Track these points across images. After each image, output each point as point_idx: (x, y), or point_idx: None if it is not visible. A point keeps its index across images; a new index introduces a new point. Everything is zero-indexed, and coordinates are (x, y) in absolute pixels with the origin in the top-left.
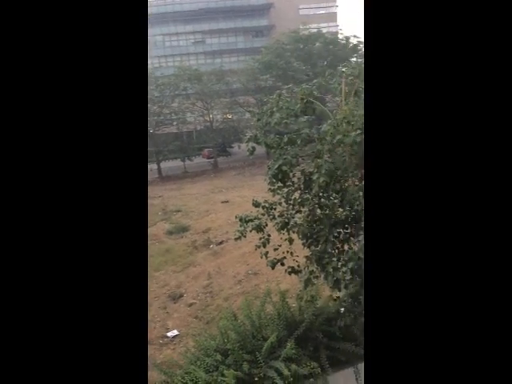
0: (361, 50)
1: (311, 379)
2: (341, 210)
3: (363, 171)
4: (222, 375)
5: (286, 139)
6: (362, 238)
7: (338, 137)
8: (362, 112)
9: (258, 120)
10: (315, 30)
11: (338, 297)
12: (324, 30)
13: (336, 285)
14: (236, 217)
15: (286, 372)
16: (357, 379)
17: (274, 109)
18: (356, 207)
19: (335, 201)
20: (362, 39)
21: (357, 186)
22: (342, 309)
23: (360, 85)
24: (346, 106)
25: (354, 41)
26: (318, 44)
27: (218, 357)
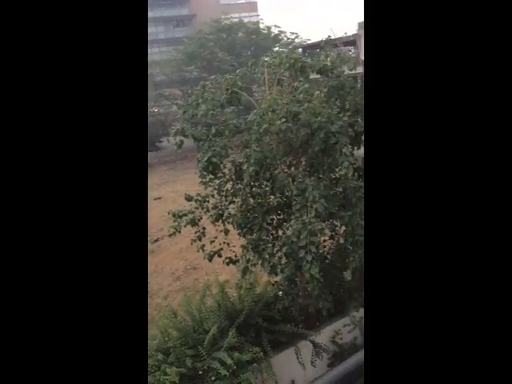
0: (282, 39)
1: (254, 364)
2: (272, 197)
3: (291, 158)
4: (165, 374)
5: (213, 131)
6: (293, 222)
7: (265, 126)
8: (286, 101)
9: (184, 112)
10: (237, 20)
11: (276, 281)
12: (245, 20)
13: (273, 270)
14: (169, 213)
15: (229, 361)
16: (298, 357)
17: (200, 100)
18: (286, 193)
19: (266, 189)
20: (283, 29)
21: (286, 172)
22: (280, 292)
23: (283, 73)
24: (269, 95)
25: (275, 30)
26: (240, 34)
27: (160, 356)
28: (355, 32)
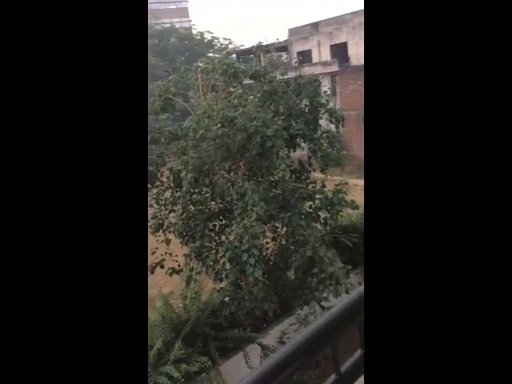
0: (216, 45)
1: (203, 374)
2: (213, 203)
3: (230, 163)
4: None
5: (148, 138)
6: (234, 226)
7: (201, 132)
8: (221, 106)
9: None
10: (168, 25)
11: (222, 287)
12: (177, 26)
13: (218, 276)
14: None
15: (176, 374)
16: (246, 361)
17: None
18: (227, 198)
19: (206, 195)
20: (216, 34)
21: (225, 178)
22: (226, 298)
23: (217, 79)
24: (204, 101)
25: (208, 36)
26: (172, 39)
27: None
28: (286, 38)
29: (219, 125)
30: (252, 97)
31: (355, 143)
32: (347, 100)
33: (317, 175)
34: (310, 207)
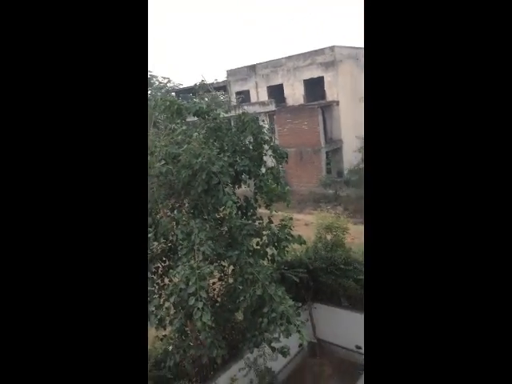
0: (154, 83)
1: None
2: (156, 243)
3: (173, 200)
4: None
5: None
6: (180, 268)
7: None
8: (164, 143)
9: None
10: None
11: (165, 335)
12: None
13: (161, 323)
14: None
15: None
16: None
17: None
18: (171, 238)
19: (149, 235)
20: (155, 73)
21: (169, 216)
22: (170, 347)
23: (158, 116)
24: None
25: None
26: None
27: None
28: (225, 78)
29: (162, 161)
30: (196, 133)
31: (294, 179)
32: (285, 138)
33: (260, 211)
34: (258, 244)
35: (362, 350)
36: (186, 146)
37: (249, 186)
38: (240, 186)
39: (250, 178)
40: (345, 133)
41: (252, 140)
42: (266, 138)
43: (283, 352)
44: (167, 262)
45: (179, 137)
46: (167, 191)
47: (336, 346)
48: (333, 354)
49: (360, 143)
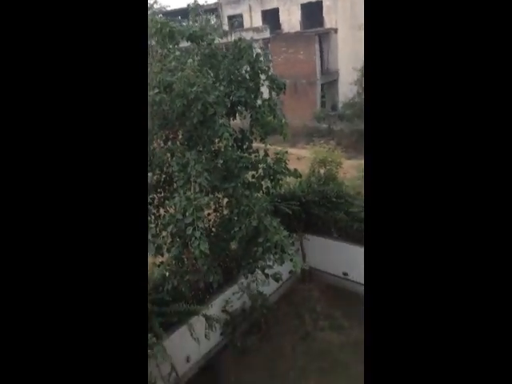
0: None
1: (148, 351)
2: (150, 174)
3: (167, 131)
4: None
5: None
6: (177, 199)
7: None
8: (156, 69)
9: None
10: None
11: (162, 262)
12: None
13: (158, 251)
14: None
15: None
16: (191, 333)
17: None
18: (166, 169)
19: None
20: None
21: (163, 147)
22: (167, 273)
23: (148, 40)
24: None
25: None
26: None
27: None
28: (216, 1)
29: (156, 90)
30: (191, 60)
31: (288, 112)
32: (280, 68)
33: (255, 145)
34: (253, 177)
35: (349, 276)
36: (179, 74)
37: (244, 118)
38: (235, 118)
39: (245, 110)
40: (342, 63)
41: (249, 69)
42: (264, 67)
43: (276, 278)
44: (162, 194)
45: (172, 63)
46: (161, 121)
47: (324, 273)
48: (321, 280)
49: (357, 75)
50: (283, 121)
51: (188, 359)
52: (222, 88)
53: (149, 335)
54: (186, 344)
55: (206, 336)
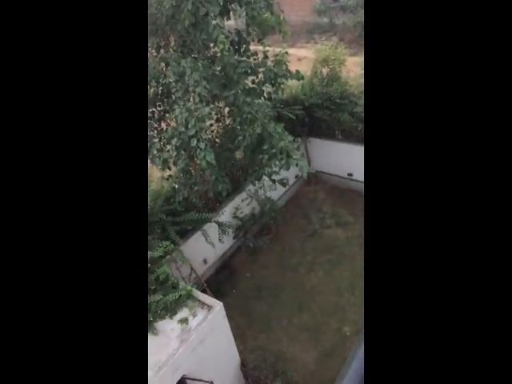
0: None
1: (167, 256)
2: (147, 87)
3: (158, 38)
4: None
5: None
6: (177, 111)
7: None
8: None
9: None
10: None
11: (170, 175)
12: None
13: (165, 165)
14: None
15: None
16: (206, 239)
17: None
18: (162, 81)
19: None
20: None
21: (156, 56)
22: (176, 185)
23: None
24: None
25: None
26: None
27: None
28: None
29: None
30: None
31: (285, 7)
32: None
33: (253, 47)
34: (253, 82)
35: (354, 177)
36: None
37: (239, 17)
38: (229, 18)
39: (240, 7)
40: None
41: None
42: None
43: (283, 183)
44: (162, 107)
45: None
46: (150, 27)
47: (329, 175)
48: (326, 182)
49: None
50: (281, 17)
51: (205, 261)
52: None
53: (166, 243)
54: (201, 248)
55: (220, 240)
